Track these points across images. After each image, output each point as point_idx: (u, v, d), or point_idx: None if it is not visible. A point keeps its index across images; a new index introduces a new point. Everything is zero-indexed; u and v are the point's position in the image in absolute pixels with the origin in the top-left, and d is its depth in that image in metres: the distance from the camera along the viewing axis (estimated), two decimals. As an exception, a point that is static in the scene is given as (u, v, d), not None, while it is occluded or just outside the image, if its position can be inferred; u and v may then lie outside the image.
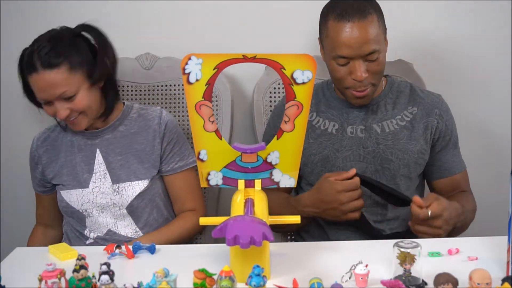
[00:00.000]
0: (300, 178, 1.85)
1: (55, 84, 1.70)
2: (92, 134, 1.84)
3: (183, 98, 2.03)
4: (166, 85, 2.10)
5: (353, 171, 1.65)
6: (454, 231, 1.73)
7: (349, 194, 1.63)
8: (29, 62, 1.71)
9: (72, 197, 1.80)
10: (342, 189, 1.63)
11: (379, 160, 1.79)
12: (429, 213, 1.56)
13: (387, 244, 1.35)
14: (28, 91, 1.79)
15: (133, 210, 1.81)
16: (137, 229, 1.82)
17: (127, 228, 1.82)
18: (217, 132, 1.39)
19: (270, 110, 2.04)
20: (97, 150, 1.83)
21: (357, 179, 1.64)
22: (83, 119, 1.77)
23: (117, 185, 1.79)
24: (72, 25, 1.76)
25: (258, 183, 1.42)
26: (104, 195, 1.79)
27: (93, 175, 1.81)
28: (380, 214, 1.80)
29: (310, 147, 1.82)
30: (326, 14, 1.74)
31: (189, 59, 1.33)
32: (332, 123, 1.83)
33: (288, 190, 1.90)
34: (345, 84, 1.74)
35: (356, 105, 1.81)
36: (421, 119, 1.82)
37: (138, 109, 1.88)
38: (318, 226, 1.86)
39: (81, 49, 1.75)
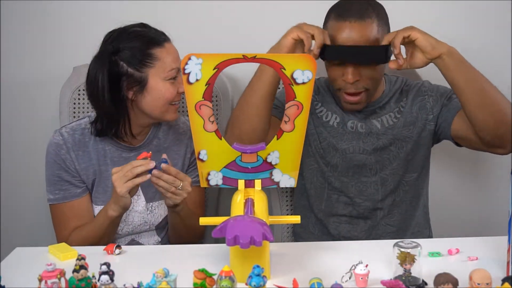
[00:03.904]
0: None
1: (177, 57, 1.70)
2: (127, 147, 1.75)
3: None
4: (166, 85, 2.09)
5: None
6: (478, 95, 1.65)
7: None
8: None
9: None
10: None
11: (378, 152, 1.79)
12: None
13: (387, 244, 1.35)
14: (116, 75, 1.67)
15: (161, 227, 1.80)
16: (159, 239, 1.81)
17: (150, 239, 1.78)
18: (217, 132, 1.39)
19: (270, 110, 2.03)
20: None
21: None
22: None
23: (151, 204, 1.75)
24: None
25: (258, 183, 1.42)
26: (137, 214, 1.74)
27: None
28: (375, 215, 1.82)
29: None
30: (329, 14, 1.74)
31: (189, 59, 1.33)
32: (335, 116, 1.83)
33: None
34: (336, 85, 1.73)
35: (348, 110, 1.79)
36: (413, 102, 1.81)
37: None
38: (317, 221, 1.86)
39: None
